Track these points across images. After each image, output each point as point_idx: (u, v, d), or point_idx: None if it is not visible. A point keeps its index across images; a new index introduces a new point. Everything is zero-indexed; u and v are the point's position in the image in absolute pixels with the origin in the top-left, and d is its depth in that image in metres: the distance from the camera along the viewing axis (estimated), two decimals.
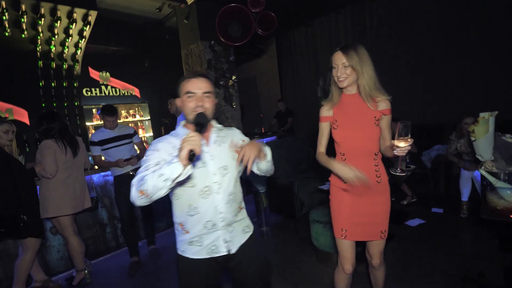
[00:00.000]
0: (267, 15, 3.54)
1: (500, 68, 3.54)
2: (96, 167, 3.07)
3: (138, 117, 6.05)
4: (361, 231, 1.50)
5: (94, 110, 5.36)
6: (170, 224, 3.75)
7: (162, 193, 1.00)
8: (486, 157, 2.07)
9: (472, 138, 2.16)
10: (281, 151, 3.91)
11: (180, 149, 0.94)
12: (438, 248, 2.56)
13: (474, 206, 3.09)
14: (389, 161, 1.51)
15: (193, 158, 0.95)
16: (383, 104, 1.41)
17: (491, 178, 1.83)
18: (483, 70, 3.69)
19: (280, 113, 5.81)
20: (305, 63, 5.76)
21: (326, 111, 1.52)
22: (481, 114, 2.13)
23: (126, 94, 5.87)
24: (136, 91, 6.00)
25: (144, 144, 5.71)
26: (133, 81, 5.93)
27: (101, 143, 2.82)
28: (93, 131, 5.23)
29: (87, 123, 5.28)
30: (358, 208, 1.49)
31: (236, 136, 1.36)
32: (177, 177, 0.96)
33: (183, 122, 1.30)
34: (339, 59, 1.36)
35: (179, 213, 1.23)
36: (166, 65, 6.15)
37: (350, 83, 1.39)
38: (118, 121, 5.55)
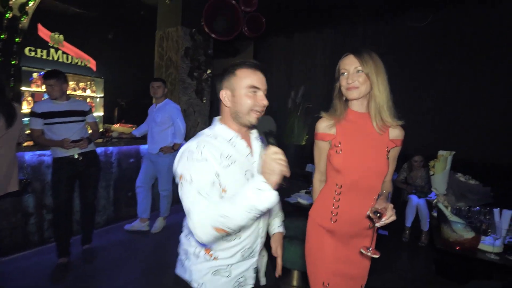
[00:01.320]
0: (256, 17, 3.46)
1: (455, 108, 3.97)
2: (32, 143, 2.56)
3: (89, 92, 5.33)
4: (343, 285, 1.22)
5: (35, 74, 4.55)
6: (111, 220, 3.33)
7: (247, 224, 0.88)
8: (441, 190, 2.28)
9: (431, 173, 2.36)
10: None
11: (265, 171, 0.82)
12: (382, 268, 2.73)
13: (414, 232, 3.40)
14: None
15: (284, 181, 0.83)
16: (397, 131, 1.16)
17: (446, 212, 2.00)
18: (439, 107, 4.09)
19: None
20: (279, 73, 5.81)
21: (326, 127, 1.20)
22: (440, 152, 2.35)
23: (79, 64, 5.14)
24: (92, 63, 5.30)
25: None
26: (90, 51, 5.23)
27: (45, 115, 2.35)
28: (30, 99, 4.45)
29: (24, 88, 4.45)
30: (342, 254, 1.20)
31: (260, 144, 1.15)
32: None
33: (219, 118, 1.07)
34: (351, 64, 1.10)
35: None
36: (134, 43, 5.59)
37: (361, 95, 1.11)
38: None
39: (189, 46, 3.83)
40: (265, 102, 1.00)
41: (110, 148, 3.25)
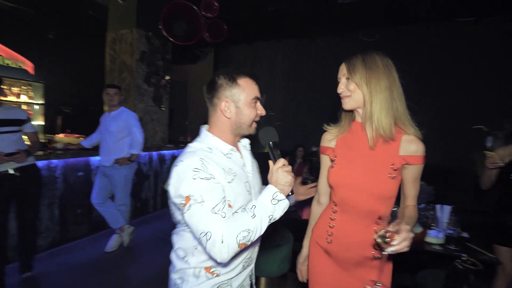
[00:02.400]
0: (218, 23, 3.45)
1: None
2: None
3: (24, 98, 4.71)
4: None
5: None
6: (57, 242, 2.96)
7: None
8: None
9: None
10: None
11: (279, 183, 0.86)
12: None
13: None
14: None
15: (291, 192, 0.89)
16: (411, 146, 0.98)
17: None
18: None
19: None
20: None
21: (327, 140, 1.14)
22: None
23: (11, 65, 4.52)
24: (28, 65, 4.70)
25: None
26: (27, 53, 4.63)
27: None
28: None
29: None
30: (343, 282, 1.08)
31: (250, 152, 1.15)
32: None
33: (207, 129, 1.00)
34: (341, 71, 1.04)
35: (208, 255, 0.93)
36: (80, 44, 5.12)
37: (357, 103, 1.01)
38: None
39: (146, 50, 3.65)
40: (264, 112, 0.99)
41: (54, 161, 2.90)
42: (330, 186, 1.11)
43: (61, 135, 4.38)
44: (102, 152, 2.90)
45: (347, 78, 1.01)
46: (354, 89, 0.99)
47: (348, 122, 1.10)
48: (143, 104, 3.77)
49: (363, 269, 1.05)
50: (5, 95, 4.45)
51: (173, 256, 1.02)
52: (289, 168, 0.88)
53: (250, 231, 0.81)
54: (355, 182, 1.02)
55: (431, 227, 2.08)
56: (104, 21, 3.78)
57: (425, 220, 2.06)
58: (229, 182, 0.90)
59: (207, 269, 0.95)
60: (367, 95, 0.96)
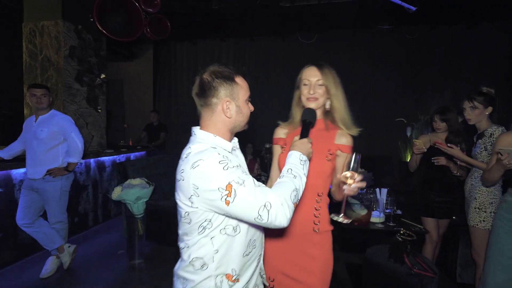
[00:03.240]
0: (160, 19, 3.25)
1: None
2: None
3: None
4: (289, 286, 1.21)
5: None
6: (22, 254, 2.47)
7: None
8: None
9: None
10: (160, 169, 3.53)
11: (303, 150, 0.97)
12: None
13: None
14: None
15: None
16: (343, 138, 1.20)
17: None
18: None
19: (151, 126, 5.27)
20: (184, 79, 5.64)
21: (279, 132, 1.33)
22: None
23: None
24: None
25: None
26: None
27: None
28: None
29: None
30: (290, 256, 1.20)
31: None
32: None
33: (204, 130, 0.95)
34: (313, 75, 1.16)
35: (229, 257, 0.90)
36: None
37: (319, 106, 1.18)
38: None
39: (75, 45, 3.22)
40: (253, 108, 1.02)
41: None
42: (280, 169, 1.25)
43: None
44: (29, 164, 2.47)
45: (320, 85, 1.16)
46: (322, 93, 1.17)
47: (299, 119, 1.22)
48: (75, 106, 3.33)
49: (304, 242, 1.18)
50: None
51: (186, 270, 0.92)
52: (311, 141, 1.03)
53: (297, 190, 0.88)
54: None
55: (374, 209, 2.39)
56: (18, 10, 3.20)
57: (368, 203, 2.35)
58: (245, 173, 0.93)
59: (228, 276, 0.90)
60: (334, 100, 1.19)
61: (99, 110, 3.63)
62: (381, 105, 4.71)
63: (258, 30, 4.66)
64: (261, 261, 1.07)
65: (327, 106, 1.22)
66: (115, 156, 3.94)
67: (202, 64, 5.44)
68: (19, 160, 2.60)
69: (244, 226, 0.92)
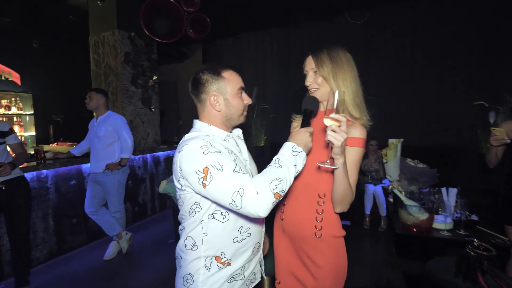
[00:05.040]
0: (200, 18, 3.31)
1: (400, 99, 4.27)
2: None
3: (14, 110, 4.63)
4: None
5: None
6: (54, 253, 2.89)
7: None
8: (394, 177, 2.39)
9: (384, 161, 2.47)
10: None
11: (299, 141, 0.90)
12: (349, 259, 2.80)
13: (374, 218, 3.57)
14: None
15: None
16: (354, 130, 1.01)
17: (402, 197, 2.09)
18: (384, 99, 4.36)
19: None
20: None
21: (293, 128, 1.24)
22: (390, 140, 2.47)
23: None
24: (15, 77, 4.60)
25: (24, 146, 4.40)
26: (12, 64, 4.53)
27: None
28: None
29: None
30: (297, 258, 1.13)
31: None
32: None
33: (202, 121, 1.02)
34: (308, 64, 1.08)
35: (218, 241, 0.95)
36: (64, 51, 5.00)
37: (324, 96, 1.06)
38: None
39: (129, 51, 3.52)
40: (250, 101, 1.03)
41: (45, 171, 2.81)
42: None
43: (54, 145, 4.29)
44: (92, 159, 2.80)
45: (315, 72, 1.06)
46: (321, 83, 1.05)
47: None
48: (132, 106, 3.66)
49: (309, 246, 1.08)
50: None
51: (181, 249, 1.00)
52: (311, 131, 0.95)
53: (281, 180, 0.82)
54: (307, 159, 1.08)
55: (438, 212, 1.98)
56: (85, 25, 3.65)
57: (430, 206, 1.95)
58: (234, 160, 0.92)
59: (218, 258, 0.95)
60: (335, 88, 1.01)
61: (153, 109, 3.92)
62: (452, 85, 3.89)
63: (302, 15, 4.37)
64: (261, 252, 1.10)
65: None
66: (168, 151, 4.23)
67: (247, 58, 5.44)
68: (87, 156, 2.97)
69: (233, 212, 0.94)
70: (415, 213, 1.92)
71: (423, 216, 1.87)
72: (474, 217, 1.95)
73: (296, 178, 1.04)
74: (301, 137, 0.92)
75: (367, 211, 3.55)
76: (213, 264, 0.95)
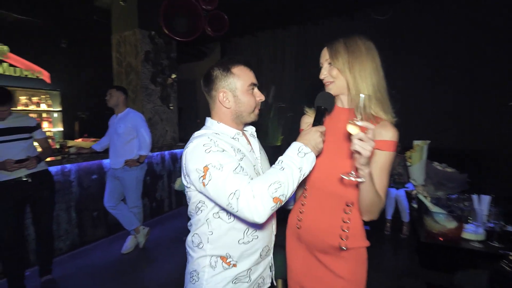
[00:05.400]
0: (218, 15, 3.30)
1: (426, 98, 4.02)
2: None
3: (44, 107, 4.88)
4: None
5: None
6: (76, 244, 3.00)
7: (295, 190, 0.84)
8: (419, 181, 2.24)
9: (408, 164, 2.32)
10: None
11: (308, 141, 0.84)
12: (368, 266, 2.67)
13: (395, 224, 3.39)
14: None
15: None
16: (382, 130, 0.91)
17: (427, 203, 1.95)
18: (409, 98, 4.13)
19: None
20: None
21: (305, 123, 1.13)
22: (415, 142, 2.31)
23: (30, 76, 4.67)
24: (45, 75, 4.85)
25: (50, 141, 4.63)
26: (42, 63, 4.78)
27: None
28: None
29: None
30: (315, 271, 1.04)
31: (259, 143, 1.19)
32: None
33: (213, 119, 1.01)
34: (323, 56, 0.99)
35: (224, 241, 0.93)
36: (90, 50, 5.20)
37: (340, 89, 0.97)
38: (14, 109, 4.36)
39: (149, 49, 3.58)
40: (262, 97, 0.98)
41: (68, 165, 2.93)
42: None
43: (79, 140, 4.48)
44: (111, 155, 2.88)
45: (329, 64, 0.97)
46: (336, 75, 0.96)
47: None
48: (152, 104, 3.73)
49: (330, 257, 1.00)
50: (26, 105, 4.64)
51: (188, 245, 1.00)
52: (323, 136, 0.87)
53: (281, 183, 0.77)
54: (324, 164, 0.98)
55: (468, 221, 1.82)
56: (108, 25, 3.76)
57: (459, 214, 1.80)
58: (239, 159, 0.90)
59: (223, 258, 0.93)
60: (351, 81, 0.92)
61: (171, 107, 3.97)
62: (488, 85, 3.59)
63: (321, 12, 4.23)
64: (271, 256, 1.06)
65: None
66: None
67: (264, 56, 5.38)
68: (108, 152, 3.05)
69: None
70: (442, 221, 1.78)
71: (451, 224, 1.72)
72: (510, 228, 1.77)
73: (318, 183, 1.01)
74: (311, 136, 0.85)
75: (388, 216, 3.38)
76: (218, 264, 0.93)
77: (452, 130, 3.72)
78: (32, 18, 4.30)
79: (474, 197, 1.86)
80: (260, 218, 0.76)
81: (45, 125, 4.88)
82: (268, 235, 1.02)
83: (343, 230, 0.96)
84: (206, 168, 0.82)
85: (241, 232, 0.93)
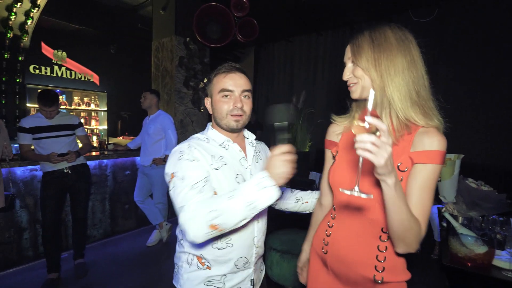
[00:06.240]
0: (249, 22, 3.38)
1: (462, 108, 3.70)
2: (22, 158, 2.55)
3: (93, 107, 5.44)
4: None
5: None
6: (108, 233, 3.27)
7: (243, 223, 0.78)
8: (449, 198, 2.05)
9: (438, 179, 2.14)
10: None
11: (270, 171, 0.75)
12: None
13: (427, 242, 3.11)
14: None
15: (287, 184, 0.79)
16: (425, 138, 0.75)
17: (454, 223, 1.77)
18: (444, 107, 3.82)
19: (249, 124, 5.62)
20: (281, 79, 5.70)
21: (334, 133, 0.99)
22: (447, 155, 2.13)
23: (83, 79, 5.25)
24: (95, 78, 5.41)
25: (94, 137, 5.12)
26: (93, 67, 5.35)
27: (33, 130, 2.35)
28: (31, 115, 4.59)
29: (29, 105, 4.58)
30: None
31: (267, 152, 1.19)
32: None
33: (211, 123, 1.08)
34: (346, 55, 0.85)
35: (199, 243, 0.95)
36: (134, 55, 5.68)
37: (365, 92, 0.81)
38: (69, 107, 4.91)
39: (183, 55, 3.79)
40: (238, 104, 0.95)
41: (105, 161, 3.22)
42: (330, 187, 0.96)
43: (120, 138, 4.90)
44: (142, 153, 3.10)
45: (353, 62, 0.82)
46: (361, 75, 0.80)
47: (358, 113, 0.90)
48: (183, 107, 3.93)
49: (359, 286, 0.86)
50: (79, 105, 5.20)
51: (177, 241, 1.07)
52: (287, 157, 0.75)
53: (222, 212, 0.75)
54: (353, 180, 0.83)
55: (504, 247, 1.62)
56: (150, 32, 4.08)
57: (493, 237, 1.61)
58: (215, 168, 0.93)
59: (199, 258, 0.96)
60: (377, 80, 0.76)
61: (202, 110, 4.14)
62: None
63: (358, 15, 4.09)
64: (251, 270, 1.02)
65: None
66: None
67: (297, 61, 5.35)
68: (140, 150, 3.29)
69: None
70: (469, 245, 1.60)
71: (480, 249, 1.54)
72: None
73: (347, 204, 0.87)
74: (274, 165, 0.75)
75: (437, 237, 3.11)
76: (194, 262, 0.97)
77: (492, 144, 3.31)
78: (87, 27, 4.84)
79: None
80: (195, 238, 0.77)
81: (92, 123, 5.42)
82: (246, 247, 0.99)
83: (379, 261, 0.82)
84: (172, 175, 0.87)
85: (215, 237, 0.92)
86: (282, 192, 1.08)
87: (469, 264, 1.61)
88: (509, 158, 3.22)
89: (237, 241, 0.96)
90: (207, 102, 1.05)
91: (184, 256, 1.00)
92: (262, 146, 1.20)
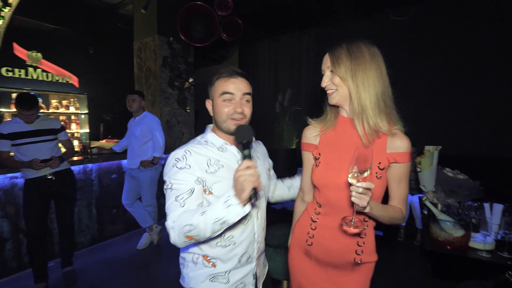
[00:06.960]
0: (233, 21, 3.39)
1: (438, 102, 3.90)
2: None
3: (72, 109, 5.23)
4: None
5: (14, 95, 4.46)
6: (96, 239, 3.20)
7: (217, 234, 0.87)
8: (429, 187, 2.18)
9: (418, 169, 2.27)
10: None
11: (236, 187, 0.79)
12: (377, 272, 2.61)
13: (409, 230, 3.29)
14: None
15: (255, 196, 0.79)
16: (397, 142, 0.90)
17: (434, 210, 1.90)
18: (422, 101, 4.02)
19: None
20: (266, 77, 5.74)
21: (311, 136, 1.06)
22: (426, 147, 2.26)
23: (60, 81, 5.04)
24: (74, 80, 5.21)
25: (76, 141, 4.95)
26: (71, 68, 5.15)
27: (12, 136, 2.25)
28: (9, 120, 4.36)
29: (2, 109, 4.35)
30: (324, 284, 1.04)
31: (263, 149, 1.26)
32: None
33: (211, 126, 1.11)
34: (325, 63, 0.95)
35: (204, 242, 1.00)
36: (115, 56, 5.52)
37: (342, 99, 0.94)
38: (46, 111, 4.72)
39: (167, 55, 3.75)
40: (238, 109, 0.98)
41: (90, 165, 3.14)
42: (315, 186, 1.05)
43: (103, 141, 4.77)
44: (129, 156, 3.05)
45: (331, 71, 0.94)
46: (339, 83, 0.92)
47: (334, 116, 1.02)
48: (169, 107, 3.89)
49: (342, 272, 1.01)
50: (57, 108, 5.01)
51: None
52: (251, 171, 0.77)
53: (195, 227, 0.83)
54: (341, 182, 0.93)
55: (477, 230, 1.76)
56: (131, 32, 3.99)
57: (468, 222, 1.74)
58: (212, 172, 0.97)
59: (205, 257, 1.01)
60: (353, 89, 0.89)
61: (188, 110, 4.12)
62: (501, 89, 3.39)
63: (340, 14, 4.19)
64: (253, 265, 1.07)
65: None
66: None
67: (282, 59, 5.41)
68: (126, 153, 3.24)
69: None
70: (448, 229, 1.73)
71: (458, 233, 1.67)
72: None
73: (332, 201, 0.97)
74: (238, 182, 0.78)
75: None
76: (199, 261, 1.01)
77: (467, 136, 3.55)
78: (63, 27, 4.65)
79: (486, 205, 1.79)
80: (175, 244, 0.89)
81: (73, 127, 5.23)
82: (247, 243, 1.03)
83: (359, 245, 0.97)
84: (165, 183, 0.96)
85: (218, 235, 0.96)
86: (253, 206, 1.03)
87: (448, 247, 1.74)
88: (483, 148, 3.45)
89: (239, 238, 1.01)
90: (208, 104, 1.07)
91: (189, 256, 1.03)
92: (259, 145, 1.25)
